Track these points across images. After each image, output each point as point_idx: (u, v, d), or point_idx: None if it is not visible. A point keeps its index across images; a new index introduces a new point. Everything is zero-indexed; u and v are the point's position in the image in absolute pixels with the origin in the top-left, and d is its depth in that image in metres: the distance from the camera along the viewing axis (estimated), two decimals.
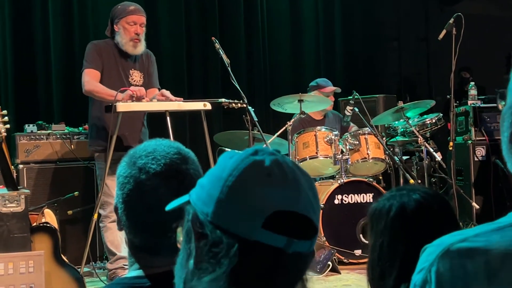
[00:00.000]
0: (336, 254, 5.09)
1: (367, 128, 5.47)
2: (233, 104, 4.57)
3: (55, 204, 5.02)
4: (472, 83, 6.55)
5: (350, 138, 5.50)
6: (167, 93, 4.57)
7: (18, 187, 3.51)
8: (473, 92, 6.40)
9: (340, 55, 8.23)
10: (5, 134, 3.46)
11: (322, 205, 5.19)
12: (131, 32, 4.65)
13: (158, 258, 1.46)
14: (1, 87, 6.20)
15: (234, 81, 4.61)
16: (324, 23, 8.17)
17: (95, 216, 4.48)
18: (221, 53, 4.73)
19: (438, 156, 5.50)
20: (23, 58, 6.38)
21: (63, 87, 6.41)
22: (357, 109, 5.54)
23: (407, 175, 5.44)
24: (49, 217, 3.80)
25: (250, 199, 1.00)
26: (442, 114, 6.03)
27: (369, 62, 8.44)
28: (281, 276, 1.02)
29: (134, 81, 4.75)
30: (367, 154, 5.47)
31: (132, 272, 1.49)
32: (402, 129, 6.03)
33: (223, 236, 1.00)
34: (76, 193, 5.15)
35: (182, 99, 4.58)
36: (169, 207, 1.20)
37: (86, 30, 6.61)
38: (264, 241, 0.99)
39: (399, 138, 6.07)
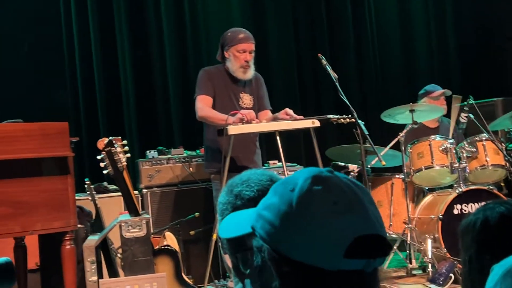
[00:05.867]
0: (458, 265, 4.95)
1: (485, 134, 5.31)
2: (342, 120, 4.61)
3: (178, 225, 5.24)
4: None
5: (467, 145, 5.35)
6: (290, 112, 4.68)
7: (140, 213, 3.71)
8: None
9: (455, 60, 7.98)
10: (126, 163, 3.68)
11: (441, 216, 5.08)
12: (241, 59, 4.80)
13: None
14: (124, 117, 6.56)
15: (342, 96, 4.65)
16: (435, 28, 7.97)
17: (214, 236, 4.63)
18: (328, 69, 4.79)
19: None
20: (143, 89, 6.70)
21: (181, 113, 6.67)
22: (472, 115, 5.38)
23: None
24: (170, 239, 3.99)
25: (326, 233, 1.03)
26: None
27: (486, 64, 8.12)
28: None
29: (245, 104, 4.90)
30: (486, 161, 5.30)
31: None
32: None
33: (303, 271, 1.04)
34: (197, 214, 5.33)
35: (302, 117, 4.66)
36: (226, 234, 1.32)
37: (200, 56, 6.86)
38: (345, 268, 1.03)
39: None
